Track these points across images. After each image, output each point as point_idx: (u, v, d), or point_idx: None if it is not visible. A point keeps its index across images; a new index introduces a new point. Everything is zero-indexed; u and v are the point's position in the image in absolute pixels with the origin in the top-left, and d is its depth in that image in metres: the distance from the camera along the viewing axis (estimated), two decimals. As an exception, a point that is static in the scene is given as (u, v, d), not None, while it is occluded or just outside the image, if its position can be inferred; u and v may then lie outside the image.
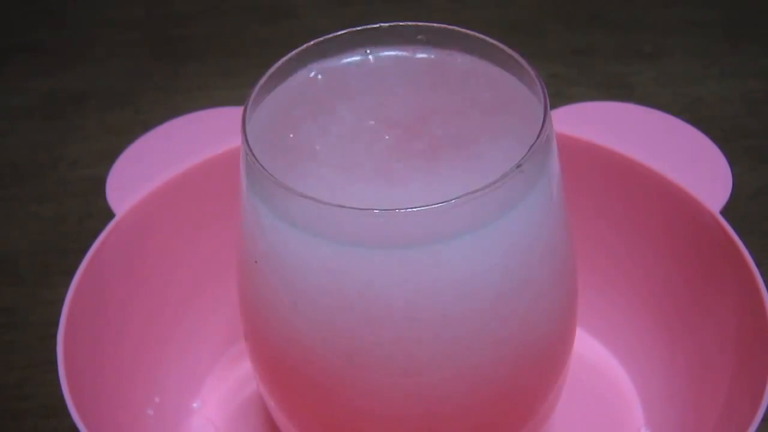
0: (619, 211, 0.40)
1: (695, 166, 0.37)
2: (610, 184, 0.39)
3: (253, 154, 0.27)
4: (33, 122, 0.60)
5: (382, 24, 0.32)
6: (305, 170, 0.28)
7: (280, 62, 0.31)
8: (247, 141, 0.28)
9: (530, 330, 0.29)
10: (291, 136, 0.30)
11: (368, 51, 0.32)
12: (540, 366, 0.31)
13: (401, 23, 0.32)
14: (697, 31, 0.64)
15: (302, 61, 0.31)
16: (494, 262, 0.27)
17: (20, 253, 0.50)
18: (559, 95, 0.58)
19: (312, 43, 0.31)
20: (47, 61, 0.66)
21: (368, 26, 0.31)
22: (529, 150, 0.26)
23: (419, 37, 0.32)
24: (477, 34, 0.31)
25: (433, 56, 0.32)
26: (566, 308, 0.32)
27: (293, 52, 0.31)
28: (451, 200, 0.25)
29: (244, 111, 0.29)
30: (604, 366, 0.41)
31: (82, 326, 0.34)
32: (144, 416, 0.37)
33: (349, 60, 0.32)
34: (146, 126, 0.41)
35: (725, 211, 0.36)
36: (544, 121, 0.27)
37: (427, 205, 0.25)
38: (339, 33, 0.31)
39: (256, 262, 0.29)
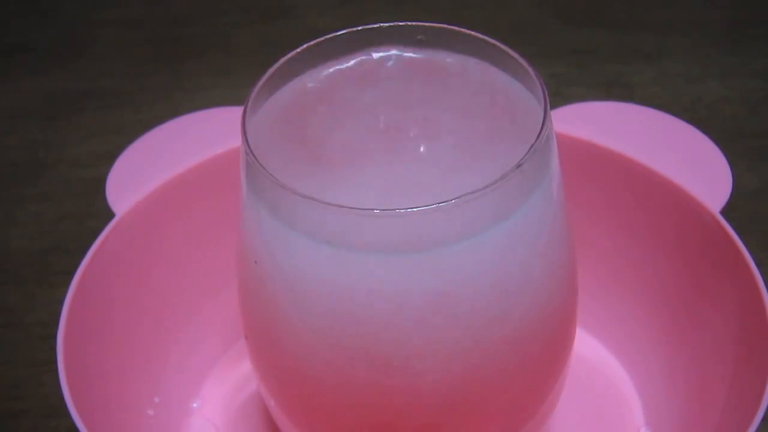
0: (619, 212, 0.40)
1: (695, 166, 0.37)
2: (610, 184, 0.39)
3: (253, 154, 0.27)
4: (33, 122, 0.60)
5: (382, 24, 0.32)
6: (305, 170, 0.28)
7: (280, 62, 0.31)
8: (247, 141, 0.28)
9: (530, 330, 0.29)
10: (291, 136, 0.30)
11: (368, 51, 0.32)
12: (540, 366, 0.31)
13: (401, 23, 0.32)
14: (697, 31, 0.64)
15: (302, 61, 0.31)
16: (495, 263, 0.27)
17: (20, 253, 0.50)
18: (559, 95, 0.58)
19: (312, 43, 0.31)
20: (47, 61, 0.66)
21: (368, 26, 0.31)
22: (529, 150, 0.26)
23: (419, 37, 0.32)
24: (477, 34, 0.31)
25: (432, 56, 0.32)
26: (566, 308, 0.32)
27: (293, 52, 0.31)
28: (452, 200, 0.25)
29: (244, 111, 0.29)
30: (604, 366, 0.41)
31: (82, 326, 0.34)
32: (144, 416, 0.37)
33: (349, 60, 0.32)
34: (146, 126, 0.41)
35: (725, 211, 0.36)
36: (544, 121, 0.27)
37: (427, 206, 0.25)
38: (339, 33, 0.31)
39: (255, 262, 0.29)
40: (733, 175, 0.37)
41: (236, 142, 0.30)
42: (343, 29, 0.31)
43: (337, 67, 0.32)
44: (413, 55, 0.32)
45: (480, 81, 0.31)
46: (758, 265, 0.34)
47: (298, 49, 0.31)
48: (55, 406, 0.42)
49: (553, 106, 0.33)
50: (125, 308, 0.37)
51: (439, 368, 0.28)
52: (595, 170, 0.39)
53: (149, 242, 0.38)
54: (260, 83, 0.30)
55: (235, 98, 0.38)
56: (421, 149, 0.29)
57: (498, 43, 0.30)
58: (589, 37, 0.65)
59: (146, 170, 0.38)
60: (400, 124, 0.30)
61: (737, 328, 0.34)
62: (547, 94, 0.28)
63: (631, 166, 0.38)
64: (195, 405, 0.40)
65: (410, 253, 0.26)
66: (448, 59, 0.32)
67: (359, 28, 0.31)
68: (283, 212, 0.27)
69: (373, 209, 0.25)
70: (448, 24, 0.31)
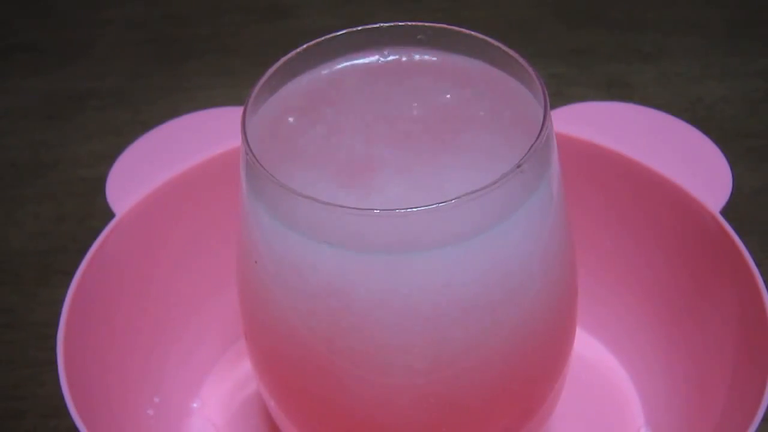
0: (619, 212, 0.40)
1: (695, 166, 0.37)
2: (610, 184, 0.39)
3: (253, 154, 0.27)
4: (33, 122, 0.60)
5: (382, 24, 0.32)
6: (304, 170, 0.28)
7: (280, 62, 0.31)
8: (247, 141, 0.28)
9: (530, 330, 0.29)
10: (291, 136, 0.30)
11: (368, 51, 0.32)
12: (540, 366, 0.31)
13: (401, 23, 0.32)
14: (697, 31, 0.64)
15: (302, 61, 0.31)
16: (495, 263, 0.27)
17: (20, 253, 0.50)
18: (559, 95, 0.58)
19: (312, 43, 0.31)
20: (47, 61, 0.66)
21: (368, 26, 0.31)
22: (529, 150, 0.26)
23: (419, 37, 0.32)
24: (477, 34, 0.31)
25: (432, 56, 0.32)
26: (566, 308, 0.32)
27: (293, 53, 0.31)
28: (451, 200, 0.25)
29: (244, 111, 0.29)
30: (604, 366, 0.41)
31: (82, 326, 0.34)
32: (144, 416, 0.37)
33: (349, 60, 0.32)
34: (146, 126, 0.41)
35: (725, 211, 0.36)
36: (544, 121, 0.27)
37: (427, 205, 0.25)
38: (339, 33, 0.31)
39: (255, 262, 0.29)
40: (733, 175, 0.37)
41: (236, 142, 0.30)
42: (343, 29, 0.31)
43: (337, 67, 0.32)
44: (413, 56, 0.32)
45: (480, 81, 0.31)
46: (758, 265, 0.34)
47: (298, 49, 0.31)
48: (55, 406, 0.41)
49: (553, 106, 0.33)
50: (125, 308, 0.37)
51: (439, 368, 0.28)
52: (595, 170, 0.39)
53: (149, 242, 0.38)
54: (260, 83, 0.30)
55: (235, 98, 0.38)
56: (421, 149, 0.29)
57: (498, 43, 0.30)
58: (589, 37, 0.65)
59: (146, 170, 0.38)
60: (399, 124, 0.30)
61: (737, 328, 0.34)
62: (547, 94, 0.28)
63: (631, 166, 0.38)
64: (195, 405, 0.40)
65: (410, 253, 0.26)
66: (448, 59, 0.32)
67: (359, 28, 0.31)
68: (283, 212, 0.27)
69: (373, 209, 0.25)
70: (448, 24, 0.31)
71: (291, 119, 0.30)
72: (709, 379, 0.35)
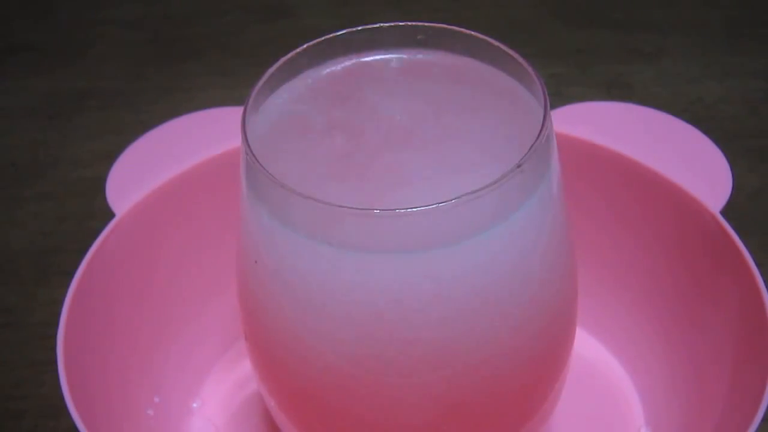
0: (619, 212, 0.40)
1: (695, 166, 0.37)
2: (610, 184, 0.39)
3: (253, 154, 0.27)
4: (33, 122, 0.60)
5: (382, 24, 0.32)
6: (304, 170, 0.28)
7: (280, 62, 0.31)
8: (247, 141, 0.28)
9: (530, 330, 0.29)
10: (291, 136, 0.30)
11: (368, 51, 0.32)
12: (540, 366, 0.31)
13: (401, 23, 0.32)
14: (697, 31, 0.64)
15: (302, 61, 0.31)
16: (495, 263, 0.27)
17: (20, 253, 0.50)
18: (559, 95, 0.58)
19: (312, 43, 0.31)
20: (47, 61, 0.66)
21: (368, 26, 0.31)
22: (529, 150, 0.26)
23: (419, 37, 0.32)
24: (477, 34, 0.31)
25: (432, 56, 0.32)
26: (566, 308, 0.32)
27: (293, 52, 0.31)
28: (452, 200, 0.25)
29: (244, 111, 0.29)
30: (604, 366, 0.41)
31: (82, 326, 0.34)
32: (144, 416, 0.37)
33: (349, 60, 0.32)
34: (146, 126, 0.41)
35: (725, 211, 0.36)
36: (544, 121, 0.27)
37: (427, 206, 0.25)
38: (339, 33, 0.31)
39: (255, 262, 0.29)
40: (733, 175, 0.37)
41: (236, 142, 0.30)
42: (343, 29, 0.31)
43: (337, 67, 0.32)
44: (413, 56, 0.32)
45: (480, 81, 0.31)
46: (758, 265, 0.34)
47: (298, 49, 0.31)
48: (55, 406, 0.41)
49: (553, 106, 0.33)
50: (125, 308, 0.37)
51: (438, 368, 0.28)
52: (595, 170, 0.39)
53: (149, 242, 0.38)
54: (260, 83, 0.30)
55: (235, 98, 0.38)
56: (421, 149, 0.29)
57: (498, 44, 0.30)
58: (589, 37, 0.65)
59: (146, 170, 0.38)
60: (399, 124, 0.30)
61: (737, 328, 0.34)
62: (547, 94, 0.28)
63: (631, 166, 0.38)
64: (195, 405, 0.40)
65: (410, 253, 0.26)
66: (448, 59, 0.32)
67: (359, 28, 0.31)
68: (283, 212, 0.27)
69: (373, 209, 0.25)
70: (448, 24, 0.31)
71: (291, 119, 0.30)
72: (709, 379, 0.35)
